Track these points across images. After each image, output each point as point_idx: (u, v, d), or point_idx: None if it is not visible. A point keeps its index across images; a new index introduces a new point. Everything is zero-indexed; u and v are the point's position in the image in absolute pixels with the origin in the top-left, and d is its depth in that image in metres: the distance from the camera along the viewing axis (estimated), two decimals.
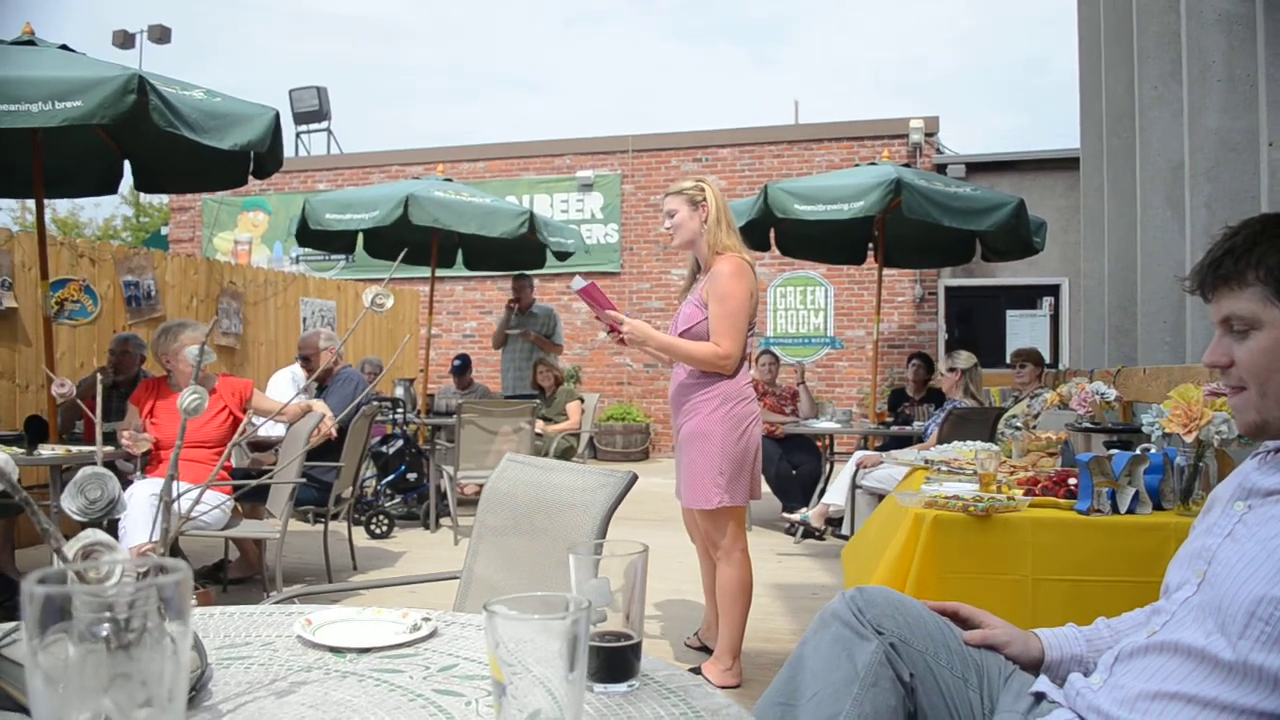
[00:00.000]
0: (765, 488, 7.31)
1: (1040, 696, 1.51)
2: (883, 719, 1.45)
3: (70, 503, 1.11)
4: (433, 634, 1.34)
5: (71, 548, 0.95)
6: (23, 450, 4.36)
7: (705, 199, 3.62)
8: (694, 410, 3.59)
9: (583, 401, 8.20)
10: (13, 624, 0.99)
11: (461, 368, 8.47)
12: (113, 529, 3.97)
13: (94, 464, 1.14)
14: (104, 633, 0.69)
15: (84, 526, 1.03)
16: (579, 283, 3.60)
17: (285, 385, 7.64)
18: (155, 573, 0.72)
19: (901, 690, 1.49)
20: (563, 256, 8.39)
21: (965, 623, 1.67)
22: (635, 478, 1.86)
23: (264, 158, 5.12)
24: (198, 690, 1.07)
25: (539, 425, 7.13)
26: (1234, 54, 4.20)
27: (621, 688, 1.11)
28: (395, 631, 1.35)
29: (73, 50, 4.91)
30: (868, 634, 1.51)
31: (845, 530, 6.16)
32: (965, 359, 6.53)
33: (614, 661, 1.11)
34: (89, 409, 4.79)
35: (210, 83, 4.88)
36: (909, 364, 7.55)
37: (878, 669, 1.48)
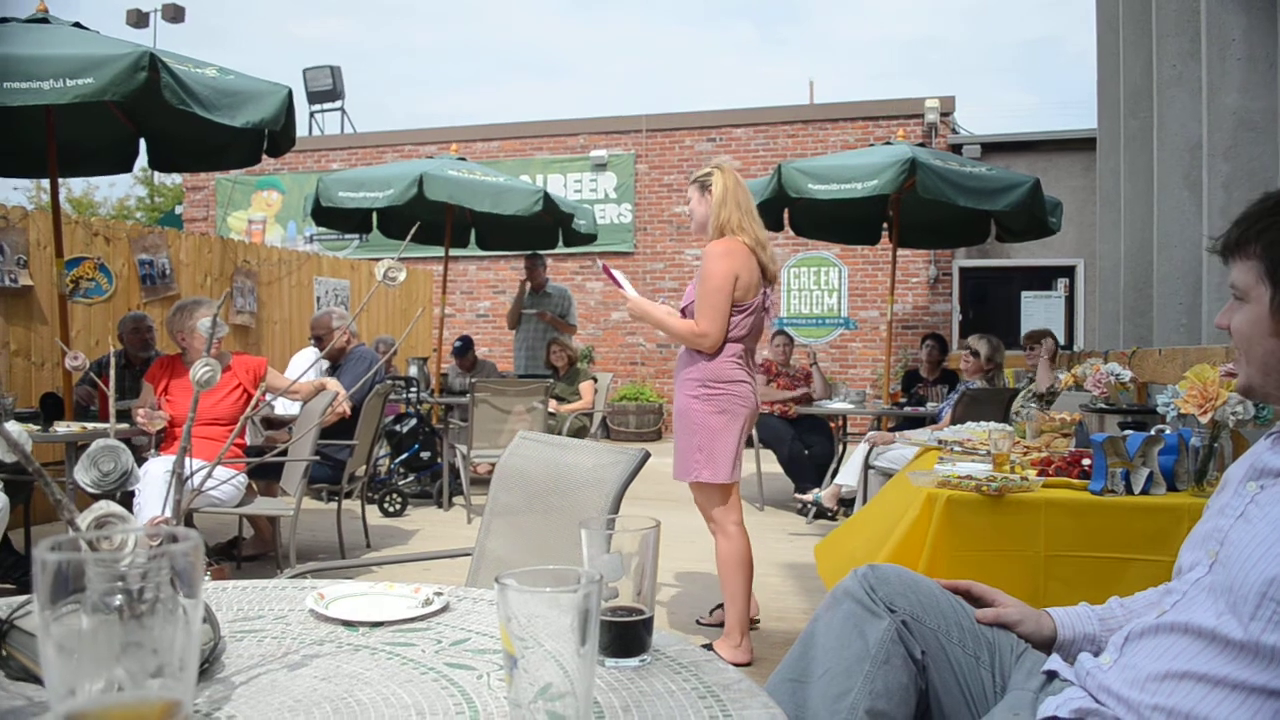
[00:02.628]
0: (777, 468, 7.34)
1: (1052, 675, 1.51)
2: (894, 696, 1.45)
3: (84, 475, 1.12)
4: (445, 608, 1.35)
5: (84, 519, 0.96)
6: (38, 427, 4.39)
7: (711, 183, 3.67)
8: (681, 388, 3.70)
9: (596, 381, 8.19)
10: (26, 596, 1.00)
11: (462, 349, 8.43)
12: (127, 504, 3.99)
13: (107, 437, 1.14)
14: (117, 603, 0.69)
15: (97, 500, 1.03)
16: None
17: (307, 365, 7.66)
18: (167, 542, 0.72)
19: (913, 668, 1.49)
20: (575, 241, 8.40)
21: (977, 601, 1.67)
22: (648, 455, 1.86)
23: (277, 136, 5.11)
24: (210, 662, 1.08)
25: (552, 405, 7.13)
26: (1253, 32, 4.15)
27: (633, 662, 1.11)
28: (407, 606, 1.35)
29: (86, 28, 4.91)
30: (880, 611, 1.51)
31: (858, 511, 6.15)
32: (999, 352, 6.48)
33: (626, 636, 1.12)
34: (104, 384, 4.82)
35: (224, 64, 4.87)
36: (923, 345, 7.52)
37: (889, 646, 1.48)
